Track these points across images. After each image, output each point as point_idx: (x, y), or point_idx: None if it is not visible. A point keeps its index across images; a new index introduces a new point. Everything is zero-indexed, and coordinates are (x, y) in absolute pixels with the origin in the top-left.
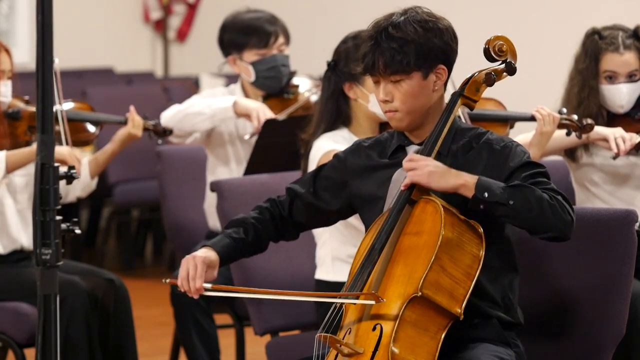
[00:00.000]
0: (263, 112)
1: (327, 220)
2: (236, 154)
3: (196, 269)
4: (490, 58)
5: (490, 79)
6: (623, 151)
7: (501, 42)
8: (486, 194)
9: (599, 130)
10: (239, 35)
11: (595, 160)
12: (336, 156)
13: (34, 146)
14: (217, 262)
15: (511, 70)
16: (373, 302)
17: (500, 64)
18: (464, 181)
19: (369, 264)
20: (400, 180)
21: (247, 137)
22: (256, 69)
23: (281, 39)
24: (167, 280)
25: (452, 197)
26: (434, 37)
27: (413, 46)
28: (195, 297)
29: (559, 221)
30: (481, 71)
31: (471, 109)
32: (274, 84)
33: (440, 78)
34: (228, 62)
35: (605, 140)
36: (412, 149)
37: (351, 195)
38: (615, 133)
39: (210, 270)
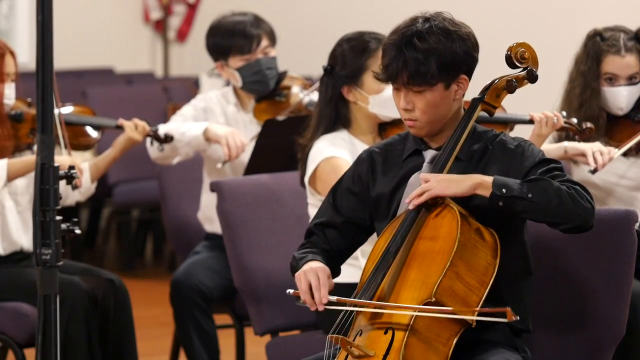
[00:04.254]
0: (232, 138)
1: (366, 235)
2: (233, 170)
3: (318, 278)
4: (511, 65)
5: (512, 85)
6: (601, 165)
7: (523, 49)
8: (504, 190)
9: (577, 145)
10: (222, 41)
11: (575, 175)
12: (351, 171)
13: (34, 157)
14: (330, 272)
15: (532, 77)
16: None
17: (522, 71)
18: (481, 180)
19: (383, 267)
20: (416, 184)
21: (219, 165)
22: (242, 75)
23: (265, 42)
24: (291, 291)
25: (468, 205)
26: (458, 48)
27: (437, 57)
28: (320, 309)
29: (580, 209)
30: (502, 78)
31: (491, 115)
32: (261, 88)
33: (461, 87)
34: (217, 67)
35: (584, 155)
36: (429, 154)
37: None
38: (593, 147)
39: (329, 279)
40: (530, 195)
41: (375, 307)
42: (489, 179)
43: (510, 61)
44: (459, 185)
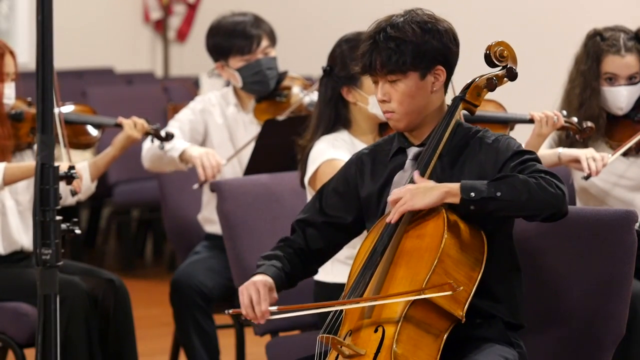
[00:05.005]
0: (207, 158)
1: (345, 236)
2: (234, 174)
3: (259, 293)
4: (491, 63)
5: (492, 84)
6: (595, 172)
7: (502, 47)
8: (472, 194)
9: (571, 152)
10: (222, 41)
11: (576, 177)
12: (340, 171)
13: (33, 162)
14: (273, 285)
15: (512, 75)
16: (450, 292)
17: (501, 70)
18: (448, 189)
19: (371, 266)
20: (401, 182)
21: (195, 186)
22: (242, 75)
23: (265, 42)
24: (230, 311)
25: None
26: (432, 39)
27: (410, 46)
28: (262, 322)
29: (550, 197)
30: (482, 76)
31: (472, 113)
32: (262, 88)
33: (438, 79)
34: (217, 68)
35: (577, 161)
36: (412, 151)
37: (360, 202)
38: (587, 154)
39: (271, 293)
40: (499, 194)
41: (320, 308)
42: (456, 186)
43: (489, 60)
44: (427, 197)
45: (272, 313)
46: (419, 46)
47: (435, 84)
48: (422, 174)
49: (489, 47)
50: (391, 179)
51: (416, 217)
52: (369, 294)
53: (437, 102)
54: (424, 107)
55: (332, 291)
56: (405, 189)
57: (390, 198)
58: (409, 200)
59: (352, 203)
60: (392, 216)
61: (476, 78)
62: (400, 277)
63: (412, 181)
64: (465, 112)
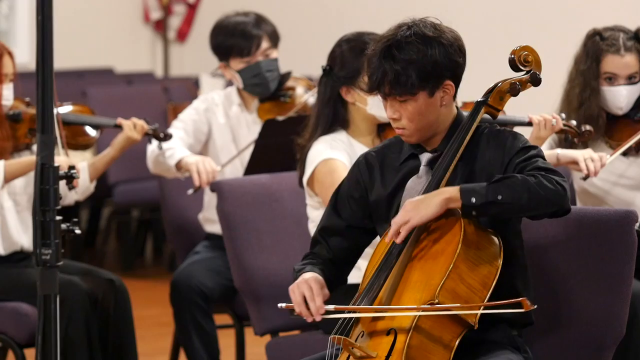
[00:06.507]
0: (203, 164)
1: (369, 237)
2: (236, 174)
3: (312, 289)
4: (515, 68)
5: (515, 88)
6: (593, 172)
7: (527, 52)
8: (474, 199)
9: (569, 153)
10: (224, 41)
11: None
12: (350, 175)
13: (32, 157)
14: (324, 282)
15: (536, 80)
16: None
17: (525, 74)
18: (449, 194)
19: (385, 269)
20: (414, 188)
21: (190, 191)
22: (242, 77)
23: (265, 44)
24: (284, 305)
25: None
26: (438, 55)
27: (416, 67)
28: (317, 319)
29: (551, 195)
30: (505, 80)
31: (494, 117)
32: (262, 90)
33: (447, 93)
34: (220, 68)
35: (575, 162)
36: (425, 157)
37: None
38: (584, 154)
39: (323, 289)
40: (500, 197)
41: (374, 312)
42: (455, 191)
43: (513, 64)
44: (429, 208)
45: (328, 312)
46: (425, 66)
47: (444, 98)
48: (440, 180)
49: (513, 52)
50: (403, 184)
51: (432, 221)
52: (382, 296)
53: (449, 113)
54: (435, 121)
55: (336, 293)
56: (406, 209)
57: (394, 221)
58: (415, 218)
59: (368, 206)
60: (401, 236)
61: (499, 82)
62: (415, 281)
63: (425, 191)
64: (487, 116)
